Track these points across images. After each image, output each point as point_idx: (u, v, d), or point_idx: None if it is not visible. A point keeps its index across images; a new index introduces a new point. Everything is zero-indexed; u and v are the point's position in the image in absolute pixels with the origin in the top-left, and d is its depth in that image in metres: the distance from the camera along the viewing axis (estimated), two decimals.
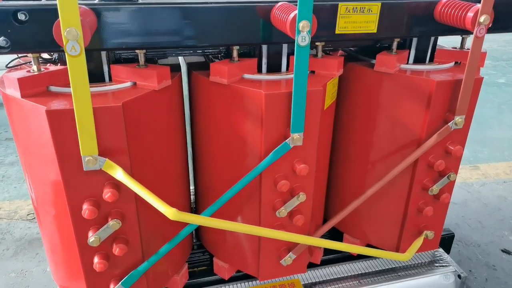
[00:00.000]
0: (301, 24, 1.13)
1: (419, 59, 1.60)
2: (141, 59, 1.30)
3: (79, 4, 1.07)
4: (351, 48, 1.75)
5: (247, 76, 1.39)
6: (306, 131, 1.34)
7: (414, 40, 1.57)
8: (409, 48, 1.58)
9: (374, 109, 1.59)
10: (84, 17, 1.04)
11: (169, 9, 1.20)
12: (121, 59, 1.44)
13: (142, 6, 1.18)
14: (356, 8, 1.35)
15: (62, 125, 1.12)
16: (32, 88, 1.19)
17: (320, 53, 1.45)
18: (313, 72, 1.46)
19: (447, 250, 2.16)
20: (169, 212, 1.10)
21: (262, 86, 1.31)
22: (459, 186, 3.21)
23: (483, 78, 1.46)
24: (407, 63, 1.59)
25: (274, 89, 1.28)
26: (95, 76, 1.31)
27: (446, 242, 2.17)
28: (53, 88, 1.24)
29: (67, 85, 1.19)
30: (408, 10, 1.40)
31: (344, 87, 1.65)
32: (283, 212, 1.42)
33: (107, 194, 1.19)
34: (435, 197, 1.62)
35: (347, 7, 1.34)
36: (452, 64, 1.60)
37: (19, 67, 1.36)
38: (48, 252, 1.54)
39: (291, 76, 1.23)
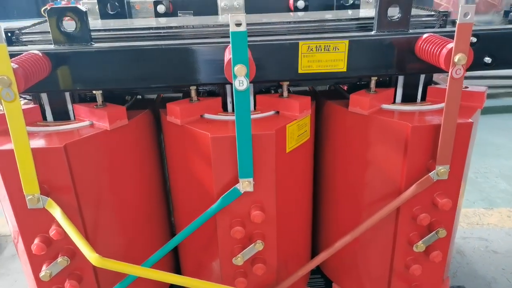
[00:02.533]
0: (237, 68, 1.07)
1: (409, 98, 1.44)
2: (99, 99, 1.32)
3: (34, 50, 1.16)
4: (337, 85, 1.63)
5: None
6: (259, 177, 1.27)
7: (400, 78, 1.42)
8: (395, 86, 1.43)
9: (351, 151, 1.45)
10: (26, 64, 1.09)
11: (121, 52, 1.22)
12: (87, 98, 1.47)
13: (94, 50, 1.21)
14: (320, 46, 1.26)
15: (6, 164, 1.17)
16: None
17: (285, 93, 1.37)
18: (278, 112, 1.38)
19: None
20: (91, 256, 1.09)
21: None
22: (506, 232, 2.81)
23: (472, 123, 1.26)
24: (393, 103, 1.43)
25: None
26: (60, 115, 1.37)
27: None
28: None
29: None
30: (383, 47, 1.27)
31: (325, 125, 1.54)
32: (239, 259, 1.34)
33: (53, 231, 1.22)
34: (425, 253, 1.42)
35: (309, 46, 1.25)
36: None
37: None
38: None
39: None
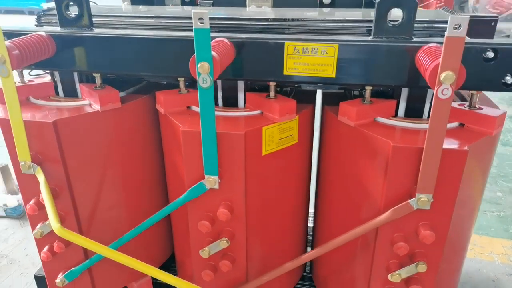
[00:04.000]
0: (199, 65, 1.06)
1: (415, 113, 1.29)
2: (98, 81, 1.41)
3: (41, 31, 1.28)
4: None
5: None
6: (228, 176, 1.25)
7: (404, 90, 1.28)
8: (398, 98, 1.29)
9: (339, 161, 1.36)
10: (22, 44, 1.20)
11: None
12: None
13: (92, 35, 1.29)
14: (307, 48, 1.18)
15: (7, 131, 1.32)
16: None
17: (271, 93, 1.32)
18: (262, 112, 1.34)
19: None
20: (55, 226, 1.19)
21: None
22: None
23: (466, 151, 1.09)
24: (394, 116, 1.30)
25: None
26: (69, 92, 1.49)
27: None
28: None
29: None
30: (378, 55, 1.15)
31: (321, 130, 1.46)
32: (205, 252, 1.35)
33: (41, 197, 1.36)
34: (406, 284, 1.29)
35: (295, 47, 1.19)
36: (455, 124, 1.24)
37: None
38: None
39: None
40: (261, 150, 1.28)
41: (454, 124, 1.24)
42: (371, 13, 1.56)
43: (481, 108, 1.22)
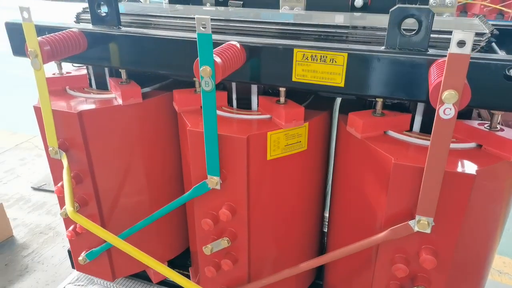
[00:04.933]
0: (202, 69, 1.09)
1: (430, 128, 1.21)
2: (123, 76, 1.50)
3: (74, 28, 1.38)
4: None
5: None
6: (231, 177, 1.28)
7: (420, 103, 1.21)
8: (414, 112, 1.23)
9: (344, 171, 1.32)
10: (53, 40, 1.31)
11: None
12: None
13: (118, 33, 1.37)
14: (315, 56, 1.16)
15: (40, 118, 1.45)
16: None
17: (282, 99, 1.31)
18: (271, 117, 1.34)
19: None
20: (69, 209, 1.29)
21: None
22: None
23: (474, 176, 1.01)
24: (409, 131, 1.24)
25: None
26: (101, 85, 1.59)
27: None
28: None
29: None
30: (389, 67, 1.10)
31: (336, 138, 1.42)
32: (207, 249, 1.39)
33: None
34: None
35: (304, 54, 1.17)
36: (472, 145, 1.15)
37: None
38: None
39: None
40: (266, 154, 1.29)
41: (471, 145, 1.15)
42: None
43: (503, 130, 1.12)
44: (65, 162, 1.43)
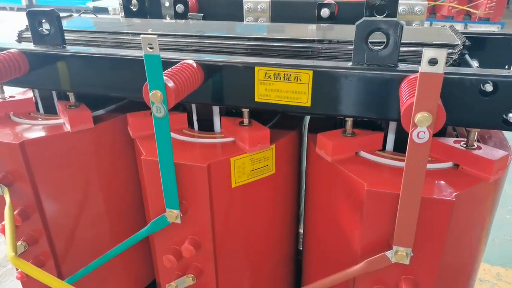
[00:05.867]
0: (152, 94, 0.98)
1: (404, 147, 1.13)
2: (71, 99, 1.36)
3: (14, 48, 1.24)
4: None
5: None
6: (193, 209, 1.16)
7: (392, 122, 1.13)
8: (386, 130, 1.14)
9: (316, 196, 1.23)
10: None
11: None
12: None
13: (61, 53, 1.24)
14: (279, 74, 1.07)
15: None
16: None
17: (245, 120, 1.21)
18: (235, 140, 1.23)
19: None
20: (10, 255, 1.15)
21: None
22: None
23: (453, 201, 0.93)
24: (381, 150, 1.15)
25: None
26: (48, 108, 1.45)
27: None
28: None
29: None
30: (357, 84, 1.02)
31: (306, 159, 1.33)
32: (172, 287, 1.27)
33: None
34: None
35: (266, 72, 1.08)
36: (448, 165, 1.07)
37: None
38: None
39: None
40: (230, 182, 1.18)
41: (448, 165, 1.07)
42: None
43: (480, 148, 1.04)
44: (7, 198, 1.28)
